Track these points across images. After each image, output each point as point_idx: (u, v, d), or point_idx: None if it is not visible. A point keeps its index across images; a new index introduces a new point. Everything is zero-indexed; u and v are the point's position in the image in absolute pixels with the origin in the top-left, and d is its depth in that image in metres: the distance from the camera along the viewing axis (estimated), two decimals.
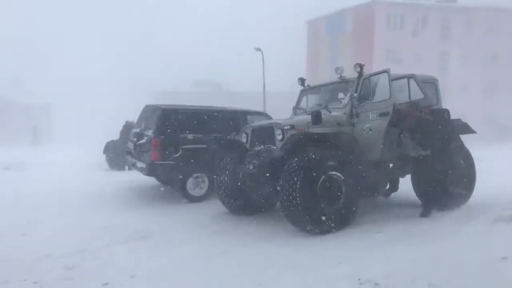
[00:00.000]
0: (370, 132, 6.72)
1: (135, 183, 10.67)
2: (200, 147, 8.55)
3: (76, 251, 5.43)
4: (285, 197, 5.81)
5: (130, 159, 9.45)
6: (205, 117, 8.95)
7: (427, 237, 5.50)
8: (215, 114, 9.14)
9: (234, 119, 9.23)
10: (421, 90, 7.17)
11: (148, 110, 9.37)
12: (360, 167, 6.38)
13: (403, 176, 7.66)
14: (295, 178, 5.73)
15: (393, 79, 7.13)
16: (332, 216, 5.95)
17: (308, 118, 6.25)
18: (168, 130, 8.44)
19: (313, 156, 5.92)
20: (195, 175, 8.54)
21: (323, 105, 7.20)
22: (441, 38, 34.05)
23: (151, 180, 9.99)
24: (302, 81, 8.16)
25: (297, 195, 5.67)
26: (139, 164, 8.73)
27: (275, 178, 6.49)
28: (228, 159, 7.53)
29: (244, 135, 7.33)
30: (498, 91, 34.91)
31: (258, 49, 25.52)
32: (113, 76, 43.72)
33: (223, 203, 7.51)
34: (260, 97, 27.10)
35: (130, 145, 9.40)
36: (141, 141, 8.71)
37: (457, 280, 3.90)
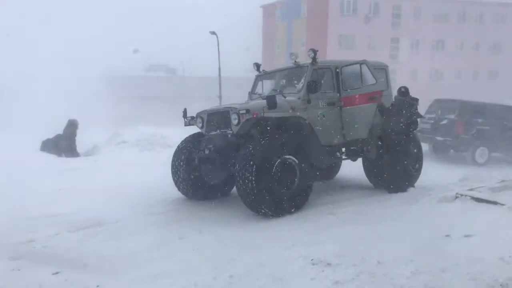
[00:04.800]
0: (324, 118, 6.91)
1: (83, 171, 10.36)
2: (485, 128, 12.36)
3: (24, 240, 5.25)
4: (241, 181, 5.85)
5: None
6: (487, 108, 12.88)
7: (376, 217, 5.72)
8: (492, 107, 13.17)
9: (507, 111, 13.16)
10: (373, 75, 7.38)
11: (443, 102, 13.41)
12: (314, 151, 6.53)
13: (354, 160, 7.90)
14: (251, 162, 5.78)
15: (346, 64, 7.32)
16: (287, 199, 6.06)
17: (263, 102, 6.28)
18: (466, 116, 12.43)
19: (269, 140, 5.98)
20: (481, 148, 12.36)
21: (278, 90, 7.26)
22: (392, 25, 34.98)
23: (100, 167, 9.78)
24: (257, 66, 8.17)
25: (253, 178, 5.73)
26: (439, 138, 12.62)
27: (231, 163, 6.52)
28: (184, 143, 7.46)
29: (199, 120, 7.27)
30: (444, 76, 36.54)
31: (213, 33, 25.17)
32: (60, 61, 41.77)
33: (179, 188, 7.44)
34: (215, 82, 26.87)
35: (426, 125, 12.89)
36: (443, 122, 12.62)
37: (404, 257, 4.09)
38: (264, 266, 4.17)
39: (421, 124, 12.54)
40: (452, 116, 12.58)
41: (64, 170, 10.52)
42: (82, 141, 14.04)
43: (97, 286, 3.90)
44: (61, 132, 14.04)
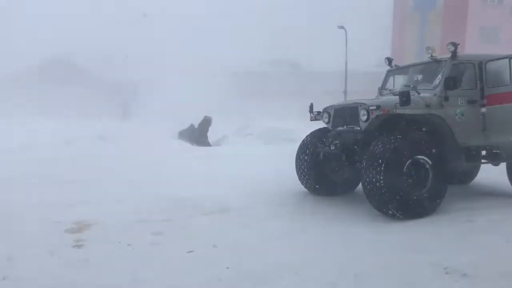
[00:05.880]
0: (463, 116, 6.36)
1: (213, 159, 11.05)
2: None
3: (163, 218, 5.79)
4: (368, 180, 5.68)
5: None
6: None
7: None
8: None
9: None
10: None
11: None
12: (450, 152, 6.06)
13: (496, 165, 7.15)
14: (380, 161, 5.56)
15: (492, 59, 6.64)
16: (418, 202, 5.72)
17: (395, 99, 6.00)
18: None
19: (400, 138, 5.70)
20: None
21: (412, 86, 6.88)
22: None
23: (227, 157, 10.29)
24: (389, 60, 7.84)
25: (381, 178, 5.51)
26: None
27: (357, 160, 6.38)
28: (309, 138, 7.51)
29: (326, 115, 7.24)
30: None
31: (341, 27, 24.79)
32: (191, 56, 44.97)
33: (302, 182, 7.52)
34: (340, 77, 26.47)
35: None
36: None
37: None
38: (392, 269, 4.01)
39: None
40: None
41: (196, 157, 11.38)
42: (212, 131, 15.19)
43: (227, 268, 4.13)
44: (194, 123, 15.73)
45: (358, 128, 6.40)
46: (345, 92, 24.81)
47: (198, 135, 15.54)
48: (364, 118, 6.18)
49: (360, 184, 6.17)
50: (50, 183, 7.93)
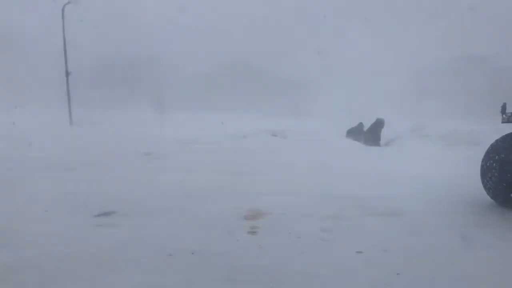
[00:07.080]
0: None
1: (385, 159, 10.68)
2: None
3: (331, 215, 5.82)
4: None
5: None
6: None
7: None
8: None
9: None
10: None
11: None
12: None
13: None
14: None
15: None
16: None
17: None
18: None
19: None
20: None
21: None
22: None
23: (401, 158, 9.79)
24: None
25: None
26: None
27: None
28: (499, 143, 6.65)
29: None
30: None
31: None
32: (370, 53, 43.86)
33: (488, 191, 6.70)
34: None
35: None
36: None
37: None
38: None
39: None
40: None
41: (366, 157, 11.18)
42: (385, 131, 14.71)
43: (397, 274, 3.92)
44: (362, 120, 15.47)
45: None
46: None
47: (368, 135, 15.28)
48: None
49: None
50: (230, 174, 8.72)
